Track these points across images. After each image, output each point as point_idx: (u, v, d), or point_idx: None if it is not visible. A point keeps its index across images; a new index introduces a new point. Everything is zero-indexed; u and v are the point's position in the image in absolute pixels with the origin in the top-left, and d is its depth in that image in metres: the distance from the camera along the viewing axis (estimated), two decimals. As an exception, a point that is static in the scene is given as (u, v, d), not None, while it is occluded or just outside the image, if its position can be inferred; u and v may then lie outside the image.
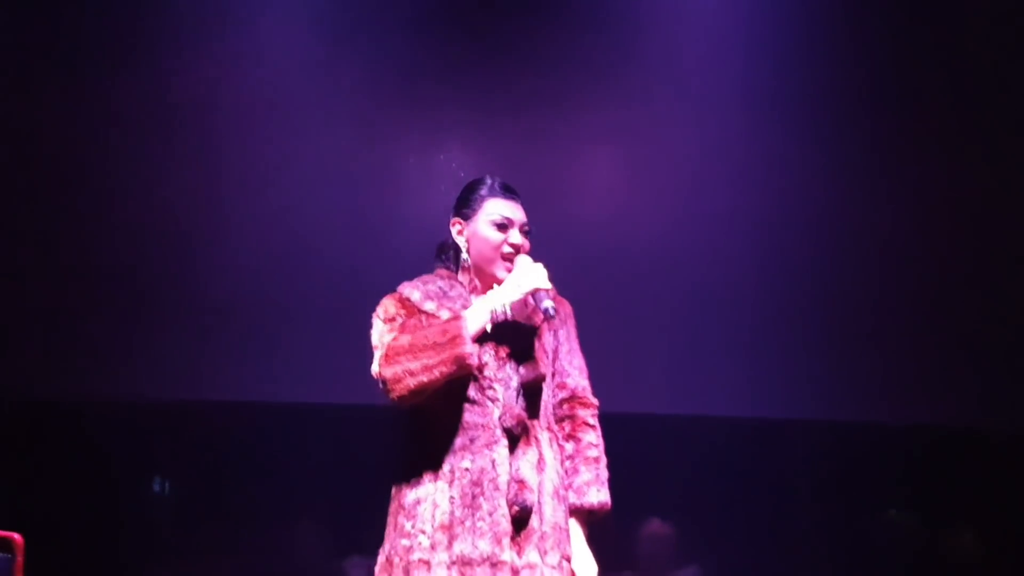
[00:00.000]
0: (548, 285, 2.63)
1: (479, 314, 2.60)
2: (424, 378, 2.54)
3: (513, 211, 2.75)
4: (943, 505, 3.98)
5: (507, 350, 2.68)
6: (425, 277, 2.80)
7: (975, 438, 3.98)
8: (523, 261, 2.69)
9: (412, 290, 2.74)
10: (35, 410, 3.97)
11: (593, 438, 2.72)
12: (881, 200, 4.11)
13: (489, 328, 2.60)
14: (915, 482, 3.96)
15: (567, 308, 2.83)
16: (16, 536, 1.95)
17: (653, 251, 4.02)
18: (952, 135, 4.16)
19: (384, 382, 2.57)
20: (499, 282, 2.70)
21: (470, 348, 2.55)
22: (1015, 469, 3.91)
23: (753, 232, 4.06)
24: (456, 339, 2.55)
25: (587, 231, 3.96)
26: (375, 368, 2.60)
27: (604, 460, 2.71)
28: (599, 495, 2.66)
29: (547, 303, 2.60)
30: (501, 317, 2.61)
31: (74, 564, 3.72)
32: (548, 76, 4.10)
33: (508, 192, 2.77)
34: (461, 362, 2.54)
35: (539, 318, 2.73)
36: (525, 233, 2.75)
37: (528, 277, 2.64)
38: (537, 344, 2.72)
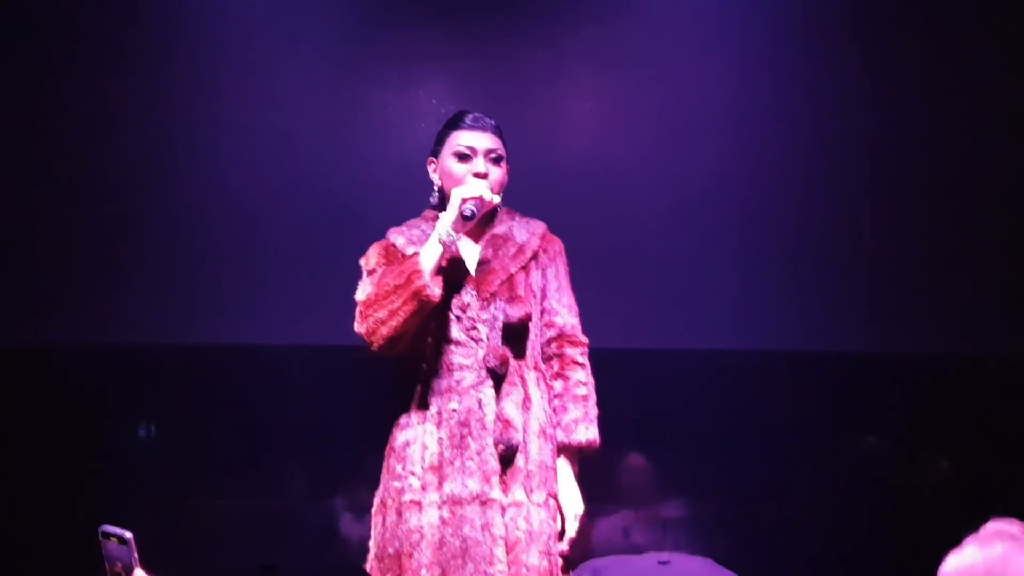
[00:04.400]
0: (476, 193, 2.61)
1: (429, 246, 2.60)
2: (394, 323, 2.55)
3: (477, 140, 2.71)
4: (920, 432, 4.01)
5: (491, 290, 2.66)
6: (412, 221, 2.80)
7: (952, 366, 4.00)
8: (467, 181, 2.66)
9: (397, 235, 2.74)
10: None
11: (582, 376, 2.72)
12: (878, 123, 3.99)
13: (442, 253, 2.57)
14: (893, 410, 3.99)
15: (557, 246, 2.81)
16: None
17: (639, 184, 3.96)
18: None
19: (362, 338, 2.61)
20: None
21: (426, 280, 2.54)
22: (988, 395, 3.94)
23: (737, 163, 3.99)
24: (412, 275, 2.55)
25: (572, 164, 3.90)
26: (355, 327, 2.62)
27: (593, 398, 2.72)
28: (587, 432, 2.67)
29: (466, 205, 2.58)
30: (450, 241, 2.59)
31: (56, 511, 3.71)
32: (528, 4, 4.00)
33: (475, 123, 2.73)
34: (420, 296, 2.54)
35: (523, 257, 2.71)
36: (493, 160, 2.72)
37: (458, 193, 2.62)
38: (523, 283, 2.70)
